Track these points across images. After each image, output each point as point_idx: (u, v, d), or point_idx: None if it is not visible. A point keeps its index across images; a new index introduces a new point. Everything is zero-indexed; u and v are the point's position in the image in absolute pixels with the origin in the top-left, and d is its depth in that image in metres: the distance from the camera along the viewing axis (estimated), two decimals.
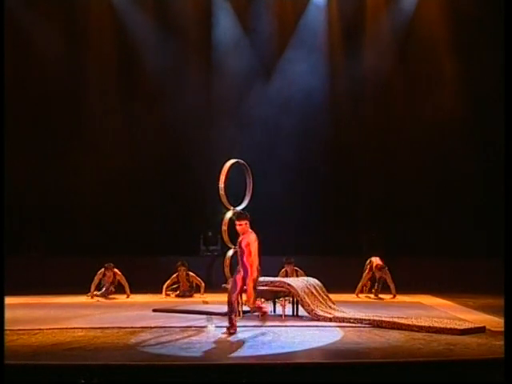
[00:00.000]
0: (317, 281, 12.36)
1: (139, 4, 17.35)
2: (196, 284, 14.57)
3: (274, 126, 16.43)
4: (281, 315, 11.48)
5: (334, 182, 17.33)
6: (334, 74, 17.05)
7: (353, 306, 12.81)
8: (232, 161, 12.47)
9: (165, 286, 14.43)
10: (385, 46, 16.61)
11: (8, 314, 11.83)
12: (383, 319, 10.88)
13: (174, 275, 14.41)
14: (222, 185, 12.32)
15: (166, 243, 14.85)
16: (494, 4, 15.75)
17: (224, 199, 12.31)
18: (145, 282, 15.17)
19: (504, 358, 7.20)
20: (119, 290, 14.59)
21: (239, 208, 12.53)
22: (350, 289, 14.60)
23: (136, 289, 14.73)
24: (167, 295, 14.45)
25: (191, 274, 14.53)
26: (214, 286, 14.60)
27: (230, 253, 12.50)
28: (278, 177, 16.28)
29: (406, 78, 16.74)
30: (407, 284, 14.98)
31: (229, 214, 12.32)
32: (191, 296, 14.49)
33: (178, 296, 14.46)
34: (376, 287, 14.54)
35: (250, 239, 10.07)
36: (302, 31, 17.33)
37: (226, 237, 12.38)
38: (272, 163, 16.07)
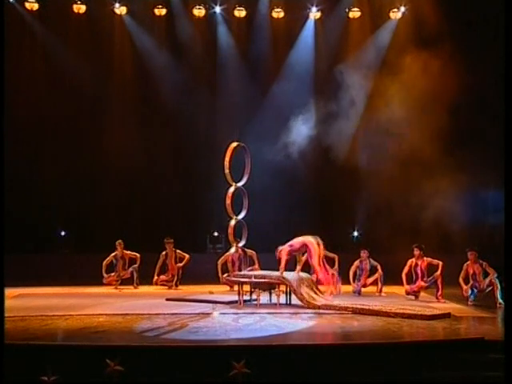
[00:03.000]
0: (308, 274, 12.43)
1: (154, 36, 17.44)
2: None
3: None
4: (276, 304, 11.55)
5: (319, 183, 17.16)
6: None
7: (338, 296, 12.77)
8: (234, 144, 12.66)
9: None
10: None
11: (43, 301, 12.04)
12: (364, 307, 10.92)
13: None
14: (227, 164, 12.51)
15: (177, 242, 14.83)
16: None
17: (228, 177, 12.50)
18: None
19: (504, 358, 7.21)
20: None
21: (240, 184, 12.69)
22: None
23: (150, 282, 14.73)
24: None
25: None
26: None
27: (232, 250, 12.59)
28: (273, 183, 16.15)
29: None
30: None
31: (231, 189, 12.49)
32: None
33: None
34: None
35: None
36: (293, 62, 17.37)
37: (230, 209, 12.51)
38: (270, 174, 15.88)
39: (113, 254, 14.48)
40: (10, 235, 9.77)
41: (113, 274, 14.42)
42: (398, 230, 14.93)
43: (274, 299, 11.67)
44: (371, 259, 13.42)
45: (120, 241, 14.53)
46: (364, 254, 13.41)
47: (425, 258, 12.66)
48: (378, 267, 13.26)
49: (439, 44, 15.28)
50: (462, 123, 15.75)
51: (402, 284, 12.79)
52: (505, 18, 8.57)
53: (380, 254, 13.93)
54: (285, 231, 15.51)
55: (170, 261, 14.40)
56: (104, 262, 14.38)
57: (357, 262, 13.45)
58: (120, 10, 17.02)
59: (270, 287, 11.84)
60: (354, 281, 13.36)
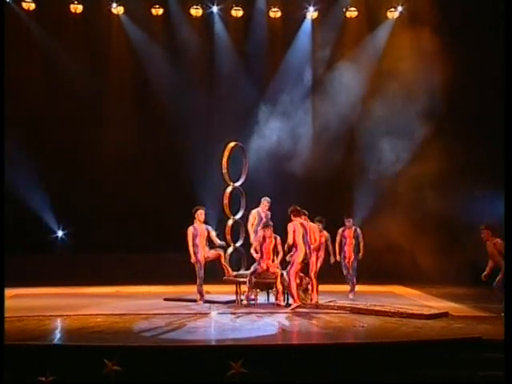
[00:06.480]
0: (302, 274, 12.40)
1: (151, 36, 17.41)
2: None
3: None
4: (273, 303, 11.54)
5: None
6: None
7: (334, 295, 12.55)
8: (232, 143, 12.65)
9: None
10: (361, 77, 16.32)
11: (40, 302, 12.04)
12: (362, 307, 10.95)
13: None
14: (224, 164, 12.50)
15: (176, 241, 14.81)
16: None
17: (226, 176, 12.51)
18: (158, 276, 15.20)
19: (504, 358, 7.24)
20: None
21: (237, 184, 12.69)
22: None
23: (150, 282, 14.73)
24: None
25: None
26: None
27: (230, 250, 12.57)
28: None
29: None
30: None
31: (229, 189, 12.49)
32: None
33: None
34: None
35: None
36: (290, 62, 17.36)
37: (227, 210, 12.49)
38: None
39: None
40: (8, 235, 9.78)
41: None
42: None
43: (272, 299, 11.67)
44: (358, 229, 12.78)
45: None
46: (348, 222, 12.69)
47: None
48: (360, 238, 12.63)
49: (437, 43, 15.32)
50: (462, 123, 15.82)
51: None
52: (504, 17, 8.59)
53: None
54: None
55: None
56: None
57: (340, 231, 12.73)
58: (117, 9, 16.99)
59: (267, 287, 11.84)
60: (339, 253, 12.63)
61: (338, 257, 12.64)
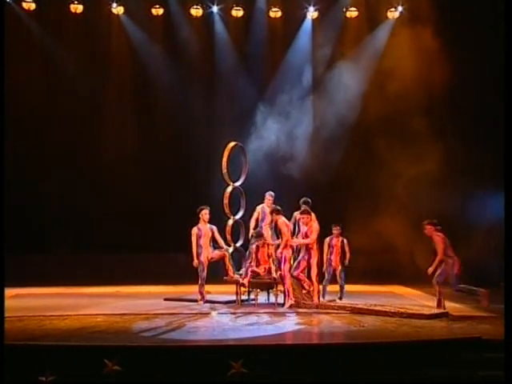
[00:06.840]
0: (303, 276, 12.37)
1: (151, 36, 17.40)
2: None
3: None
4: (274, 303, 11.54)
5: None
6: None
7: (334, 295, 12.44)
8: (232, 143, 12.68)
9: None
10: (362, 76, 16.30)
11: (41, 302, 12.05)
12: (362, 306, 10.95)
13: None
14: (224, 164, 12.51)
15: (176, 241, 14.80)
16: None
17: (226, 176, 12.53)
18: (158, 276, 15.20)
19: (504, 358, 7.24)
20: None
21: (237, 184, 12.72)
22: None
23: (150, 282, 14.72)
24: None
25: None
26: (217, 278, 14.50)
27: (230, 250, 12.57)
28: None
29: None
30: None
31: (229, 189, 12.48)
32: None
33: None
34: None
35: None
36: (290, 62, 17.35)
37: (227, 209, 12.52)
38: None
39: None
40: (8, 235, 9.78)
41: None
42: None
43: (272, 299, 11.67)
44: (345, 239, 12.32)
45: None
46: (336, 230, 12.25)
47: None
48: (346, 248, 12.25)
49: (437, 43, 15.31)
50: (462, 123, 15.83)
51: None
52: (504, 17, 8.60)
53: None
54: None
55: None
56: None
57: (327, 239, 12.24)
58: (117, 9, 16.98)
59: (267, 287, 11.84)
60: (326, 262, 12.14)
61: (324, 267, 12.18)
